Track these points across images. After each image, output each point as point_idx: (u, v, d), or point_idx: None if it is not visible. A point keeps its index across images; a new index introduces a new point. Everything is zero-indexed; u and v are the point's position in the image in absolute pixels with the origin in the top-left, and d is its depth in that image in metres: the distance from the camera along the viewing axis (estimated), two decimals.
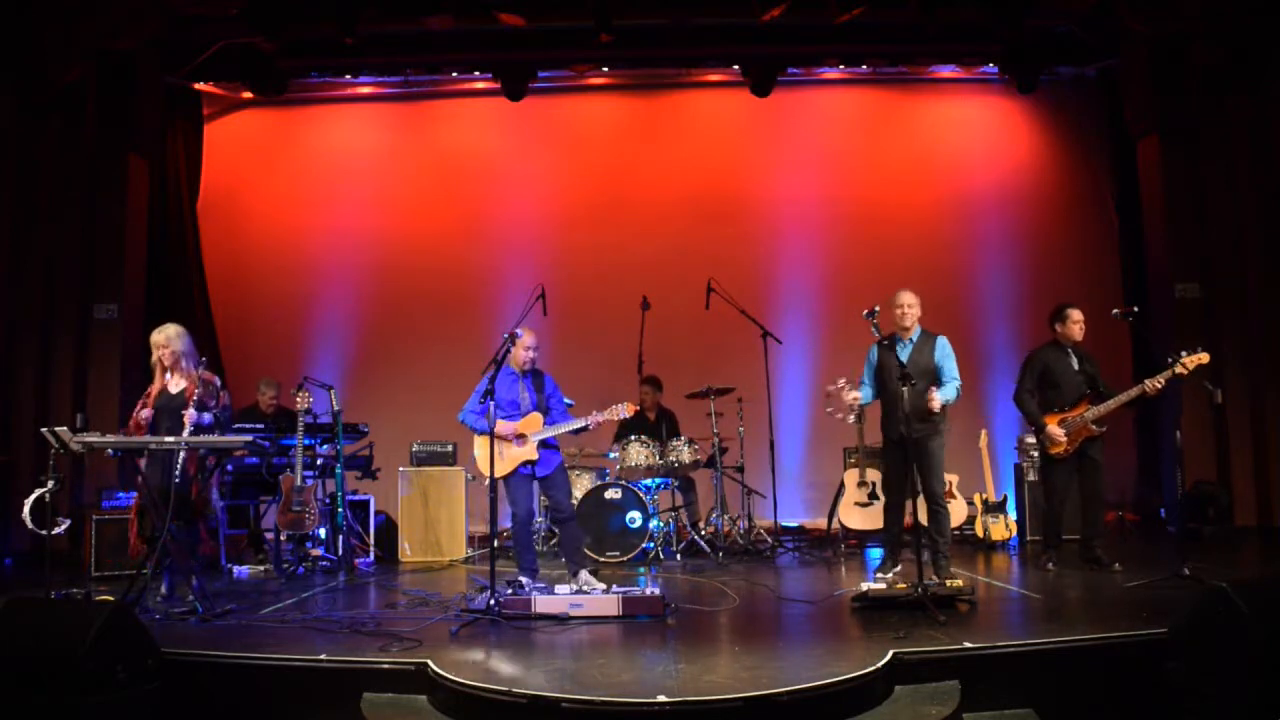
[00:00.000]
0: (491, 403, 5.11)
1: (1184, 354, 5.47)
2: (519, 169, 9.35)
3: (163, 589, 5.26)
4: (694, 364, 8.25)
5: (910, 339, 5.63)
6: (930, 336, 5.59)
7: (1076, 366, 5.90)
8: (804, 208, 9.25)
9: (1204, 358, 5.47)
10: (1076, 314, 5.95)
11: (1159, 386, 5.50)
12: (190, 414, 4.97)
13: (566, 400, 5.92)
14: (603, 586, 5.15)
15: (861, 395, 5.69)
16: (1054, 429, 5.79)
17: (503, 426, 5.49)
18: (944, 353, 5.57)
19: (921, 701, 3.54)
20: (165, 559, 5.09)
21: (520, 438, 5.51)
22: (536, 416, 5.56)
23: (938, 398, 5.37)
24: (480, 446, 5.44)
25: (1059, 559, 5.92)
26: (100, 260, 7.97)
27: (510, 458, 5.49)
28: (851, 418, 5.72)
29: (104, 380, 7.83)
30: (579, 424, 5.56)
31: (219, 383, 5.29)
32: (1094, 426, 5.75)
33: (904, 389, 5.00)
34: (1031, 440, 7.42)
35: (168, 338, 5.31)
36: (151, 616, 4.68)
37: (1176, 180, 8.04)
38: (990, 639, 3.92)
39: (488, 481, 5.40)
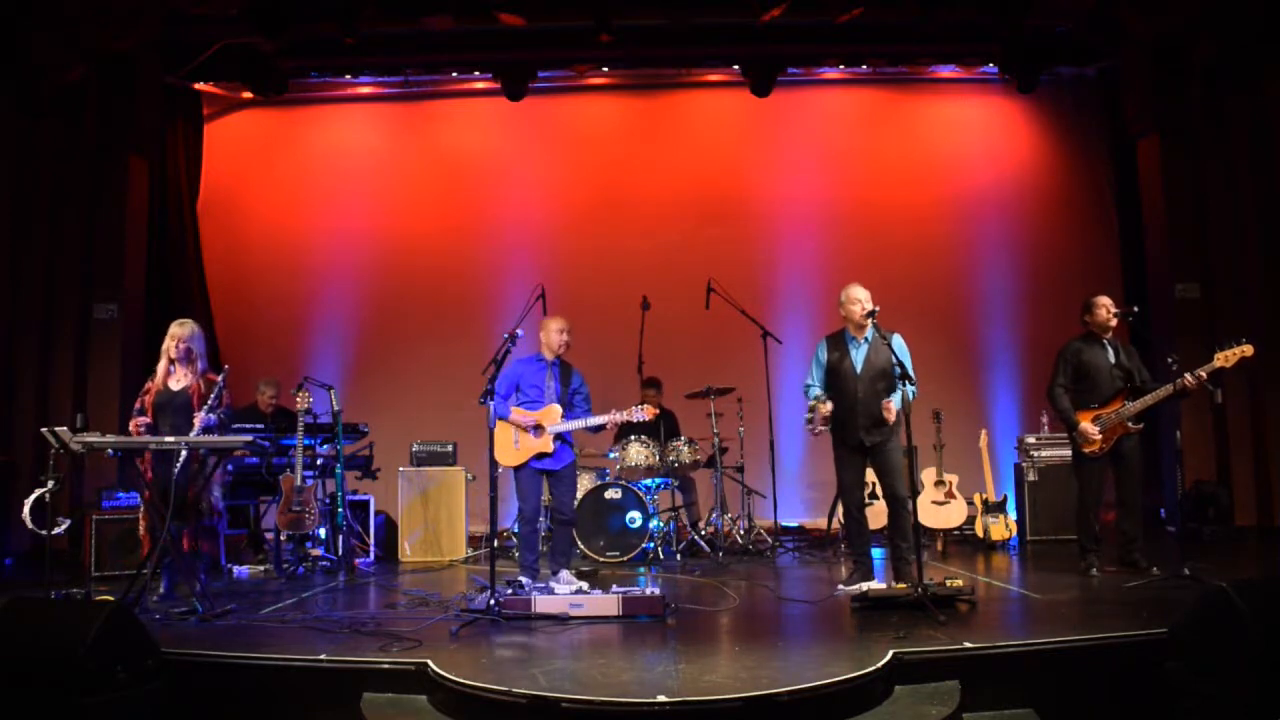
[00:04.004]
0: (493, 403, 5.12)
1: (1231, 344, 5.28)
2: (519, 169, 9.35)
3: (160, 589, 5.26)
4: (694, 364, 8.25)
5: (865, 338, 5.32)
6: (885, 335, 5.13)
7: (1113, 360, 5.67)
8: (804, 208, 9.25)
9: (1248, 350, 5.27)
10: (1103, 299, 5.73)
11: (1197, 382, 5.25)
12: (201, 416, 5.02)
13: None
14: (584, 584, 5.16)
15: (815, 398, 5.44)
16: (1087, 426, 5.55)
17: (521, 415, 5.54)
18: (903, 351, 5.15)
19: (921, 701, 3.53)
20: (165, 559, 5.10)
21: (537, 428, 5.53)
22: (556, 408, 5.58)
23: (894, 406, 5.12)
24: (498, 434, 5.47)
25: (1100, 562, 5.61)
26: (100, 260, 7.97)
27: (525, 448, 5.53)
28: (824, 428, 5.46)
29: (104, 380, 7.83)
30: (597, 421, 5.58)
31: (222, 383, 5.29)
32: (1130, 424, 5.54)
33: (860, 394, 4.99)
34: (1032, 440, 7.43)
35: (190, 333, 5.34)
36: (151, 616, 4.68)
37: (1176, 180, 8.04)
38: (990, 639, 3.91)
39: (502, 471, 5.43)
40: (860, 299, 5.27)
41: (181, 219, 8.94)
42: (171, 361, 5.33)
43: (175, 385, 5.32)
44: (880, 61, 9.08)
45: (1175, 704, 3.50)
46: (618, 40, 8.01)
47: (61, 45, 7.41)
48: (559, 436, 5.57)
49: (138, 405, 5.32)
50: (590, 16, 7.78)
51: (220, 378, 5.26)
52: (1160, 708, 3.58)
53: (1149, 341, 7.02)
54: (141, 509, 5.40)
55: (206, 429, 5.03)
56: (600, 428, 5.67)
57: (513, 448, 5.54)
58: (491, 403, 5.07)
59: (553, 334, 5.68)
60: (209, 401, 5.10)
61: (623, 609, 4.58)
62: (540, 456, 5.55)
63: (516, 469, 5.58)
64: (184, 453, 4.88)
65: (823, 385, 5.45)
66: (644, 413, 5.60)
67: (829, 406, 5.28)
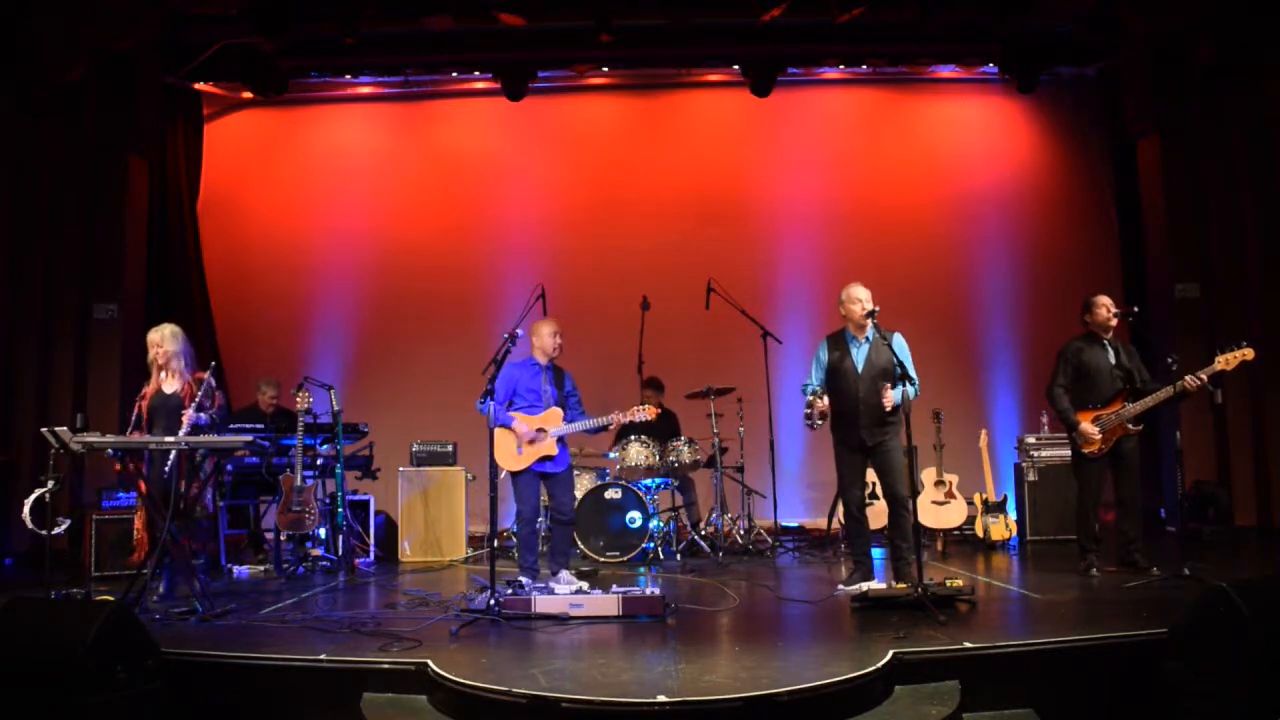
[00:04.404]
0: (492, 403, 5.11)
1: (1232, 347, 5.27)
2: (519, 169, 9.35)
3: (160, 588, 5.26)
4: (694, 364, 8.25)
5: (865, 338, 5.32)
6: (886, 335, 5.15)
7: (1113, 360, 5.66)
8: (804, 208, 9.25)
9: (1248, 353, 5.25)
10: (1103, 299, 5.72)
11: (1197, 384, 5.22)
12: (189, 414, 5.00)
13: None
14: (584, 584, 5.16)
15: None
16: (1087, 427, 5.54)
17: (521, 421, 5.53)
18: (903, 351, 5.18)
19: (921, 701, 3.53)
20: (165, 558, 5.10)
21: (540, 432, 5.53)
22: (557, 412, 5.59)
23: (892, 396, 5.13)
24: (499, 439, 5.47)
25: (1100, 562, 5.61)
26: (100, 260, 7.97)
27: (529, 452, 5.53)
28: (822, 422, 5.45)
29: (104, 380, 7.83)
30: (600, 422, 5.58)
31: (213, 383, 5.28)
32: (1130, 425, 5.53)
33: (861, 393, 5.01)
34: (1032, 440, 7.43)
35: (162, 337, 5.34)
36: (151, 616, 4.68)
37: (1176, 180, 8.04)
38: (990, 639, 3.91)
39: (503, 475, 5.42)
40: (860, 299, 5.26)
41: (181, 219, 8.94)
42: (160, 368, 5.35)
43: (168, 388, 5.35)
44: (880, 61, 9.08)
45: (1175, 704, 3.50)
46: (618, 40, 8.02)
47: (62, 45, 7.40)
48: (558, 439, 5.59)
49: (135, 412, 5.35)
50: (590, 16, 7.78)
51: (207, 375, 5.25)
52: (1160, 708, 3.58)
53: (1149, 341, 7.02)
54: (138, 509, 5.40)
55: (195, 428, 5.00)
56: (603, 428, 5.67)
57: (516, 454, 5.53)
58: (490, 403, 5.07)
59: (547, 338, 5.65)
60: (197, 399, 5.11)
61: (623, 609, 4.58)
62: (543, 460, 5.55)
63: (517, 473, 5.58)
64: (173, 453, 4.88)
65: (822, 385, 5.45)
66: (645, 413, 5.61)
67: (825, 401, 5.28)
